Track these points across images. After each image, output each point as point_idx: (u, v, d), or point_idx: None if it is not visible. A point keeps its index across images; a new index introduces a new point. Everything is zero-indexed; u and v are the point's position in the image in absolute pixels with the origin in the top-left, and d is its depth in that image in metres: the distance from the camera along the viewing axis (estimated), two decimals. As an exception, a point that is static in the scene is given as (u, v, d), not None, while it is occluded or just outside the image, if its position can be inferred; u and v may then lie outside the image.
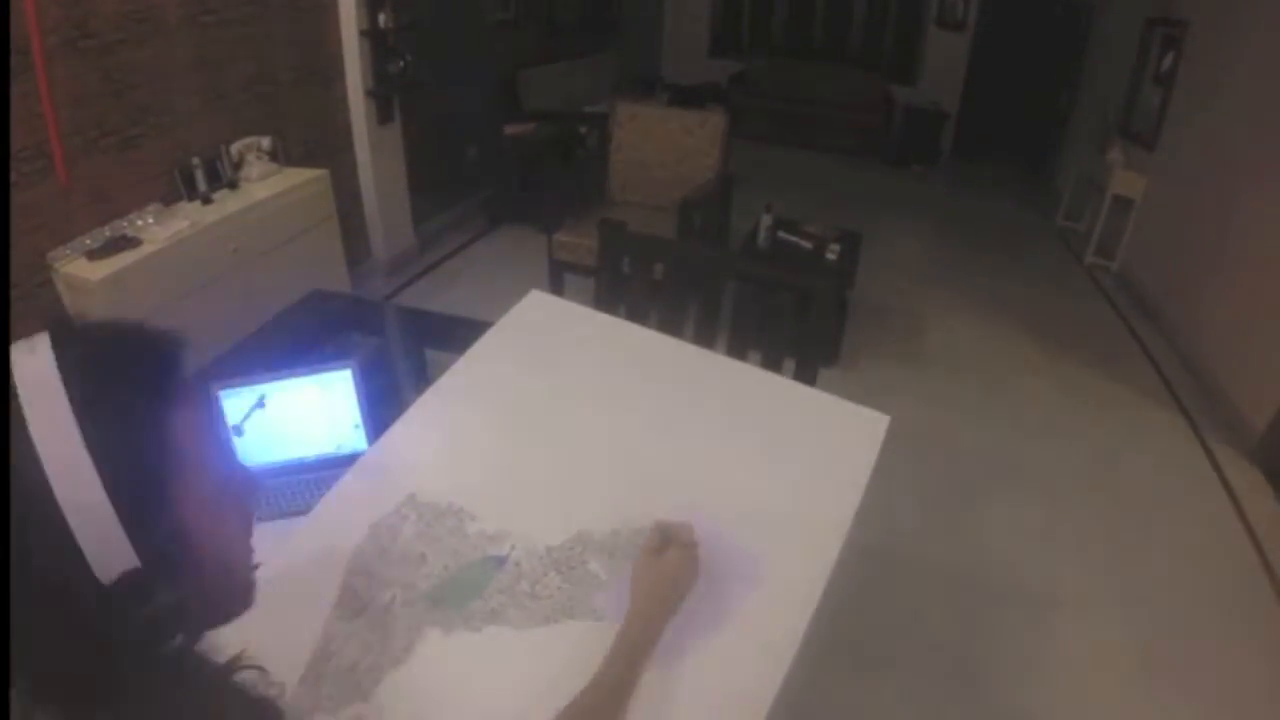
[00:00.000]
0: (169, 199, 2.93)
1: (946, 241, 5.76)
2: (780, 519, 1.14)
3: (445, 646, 1.01)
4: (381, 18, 3.76)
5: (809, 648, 1.00)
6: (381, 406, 1.51)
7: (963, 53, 7.38)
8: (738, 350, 1.97)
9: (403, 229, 4.49)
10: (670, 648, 0.98)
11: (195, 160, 2.98)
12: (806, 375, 1.90)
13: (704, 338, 2.00)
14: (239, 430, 1.47)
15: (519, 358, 1.45)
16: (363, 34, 3.74)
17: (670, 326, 1.94)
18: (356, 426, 1.53)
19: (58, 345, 0.55)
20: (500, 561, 1.10)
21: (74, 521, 0.50)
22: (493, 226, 5.26)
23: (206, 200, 2.99)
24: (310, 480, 1.46)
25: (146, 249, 2.64)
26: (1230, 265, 3.89)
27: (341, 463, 1.33)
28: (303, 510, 1.32)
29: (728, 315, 2.08)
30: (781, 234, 4.05)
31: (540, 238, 4.18)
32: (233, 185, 3.13)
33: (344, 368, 1.52)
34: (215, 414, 1.43)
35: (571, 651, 1.01)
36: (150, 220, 2.76)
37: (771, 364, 1.92)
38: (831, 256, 3.87)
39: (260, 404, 1.47)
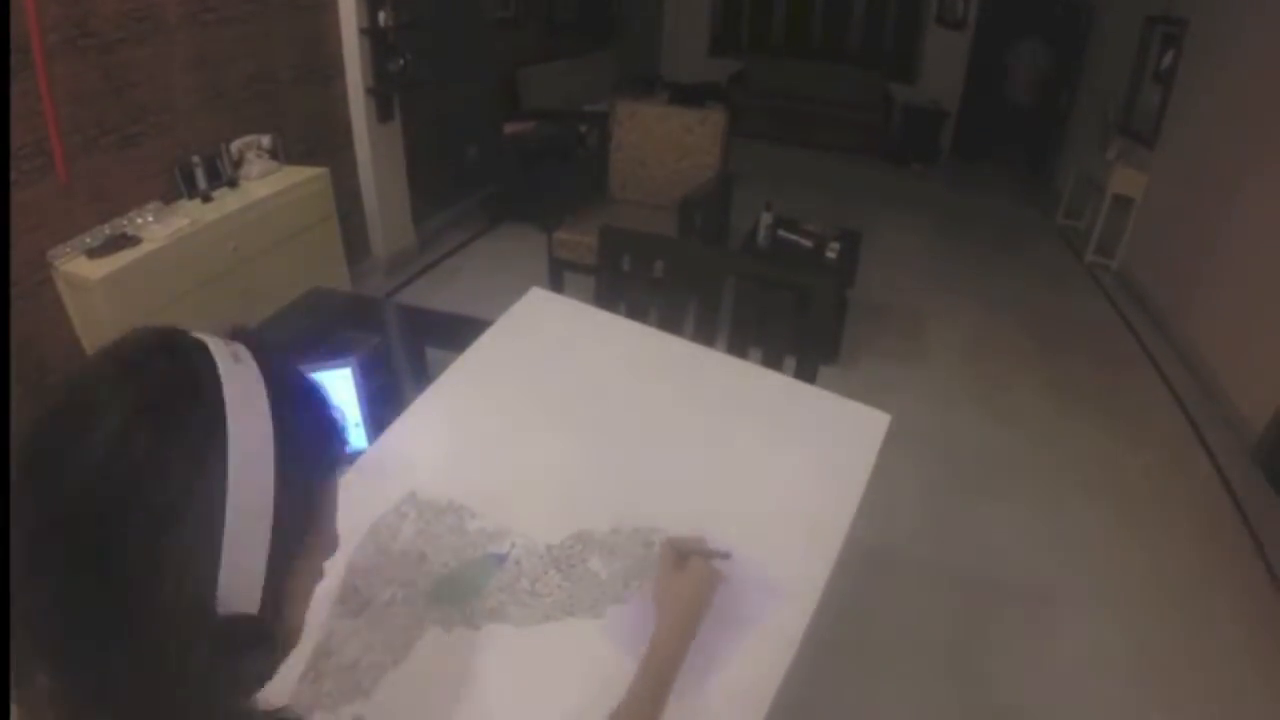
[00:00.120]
0: (169, 197, 2.93)
1: (946, 240, 5.76)
2: (780, 517, 1.14)
3: (446, 644, 1.01)
4: (381, 16, 3.76)
5: (809, 646, 1.00)
6: (381, 405, 1.51)
7: (963, 51, 7.38)
8: (738, 348, 1.97)
9: (403, 227, 4.49)
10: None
11: (195, 158, 2.98)
12: (806, 373, 1.90)
13: (704, 336, 2.00)
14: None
15: (519, 355, 1.45)
16: (363, 32, 3.74)
17: (670, 325, 1.94)
18: (356, 425, 1.53)
19: (262, 364, 0.52)
20: (500, 559, 1.10)
21: (229, 548, 0.47)
22: (493, 225, 5.26)
23: (206, 198, 2.99)
24: (310, 478, 1.46)
25: (147, 247, 2.64)
26: (1230, 264, 3.89)
27: (342, 461, 1.33)
28: (303, 508, 1.32)
29: (728, 313, 2.08)
30: (781, 232, 4.05)
31: (540, 236, 4.18)
32: (233, 183, 3.13)
33: (344, 366, 1.52)
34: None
35: (572, 649, 1.01)
36: (150, 218, 2.76)
37: (772, 362, 1.92)
38: (831, 255, 3.86)
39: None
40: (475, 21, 4.97)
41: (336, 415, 0.59)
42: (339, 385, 1.52)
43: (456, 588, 1.07)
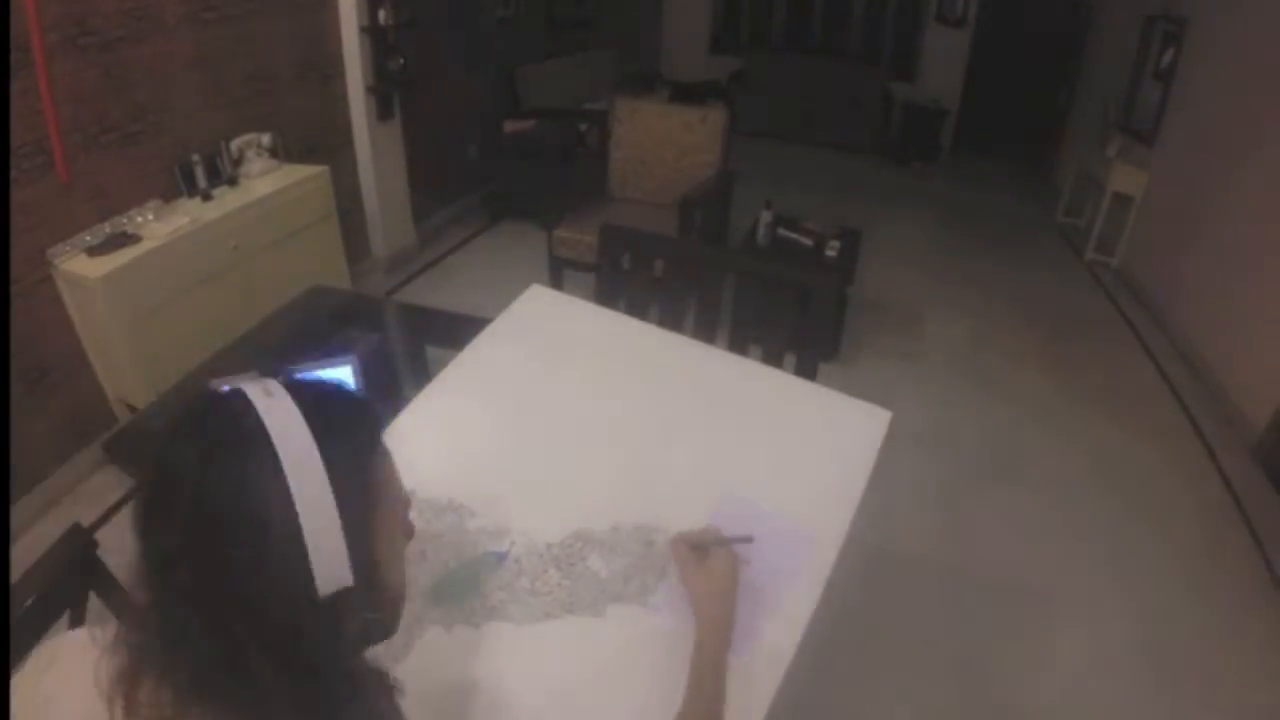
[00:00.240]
0: (169, 195, 2.93)
1: (946, 238, 5.76)
2: (781, 515, 1.14)
3: (446, 643, 1.01)
4: (381, 14, 3.75)
5: (809, 644, 1.00)
6: (382, 402, 1.51)
7: (963, 49, 7.37)
8: (738, 346, 1.97)
9: (403, 225, 4.49)
10: (669, 645, 0.98)
11: (195, 157, 2.97)
12: (807, 371, 1.90)
13: (704, 334, 2.00)
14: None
15: (519, 353, 1.45)
16: (363, 30, 3.73)
17: (670, 323, 1.94)
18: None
19: (289, 388, 0.63)
20: (500, 558, 1.10)
21: (311, 542, 0.57)
22: (493, 223, 5.26)
23: (207, 197, 2.99)
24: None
25: (147, 245, 2.64)
26: (1230, 262, 3.89)
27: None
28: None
29: (728, 311, 2.08)
30: (781, 230, 4.04)
31: (540, 234, 4.18)
32: (233, 182, 3.13)
33: (344, 364, 1.52)
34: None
35: (572, 647, 1.01)
36: (150, 217, 2.75)
37: (772, 359, 1.92)
38: (831, 253, 3.86)
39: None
40: (475, 20, 4.97)
41: (361, 402, 0.70)
42: (339, 383, 1.52)
43: (457, 586, 1.07)
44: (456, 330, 1.57)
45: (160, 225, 2.72)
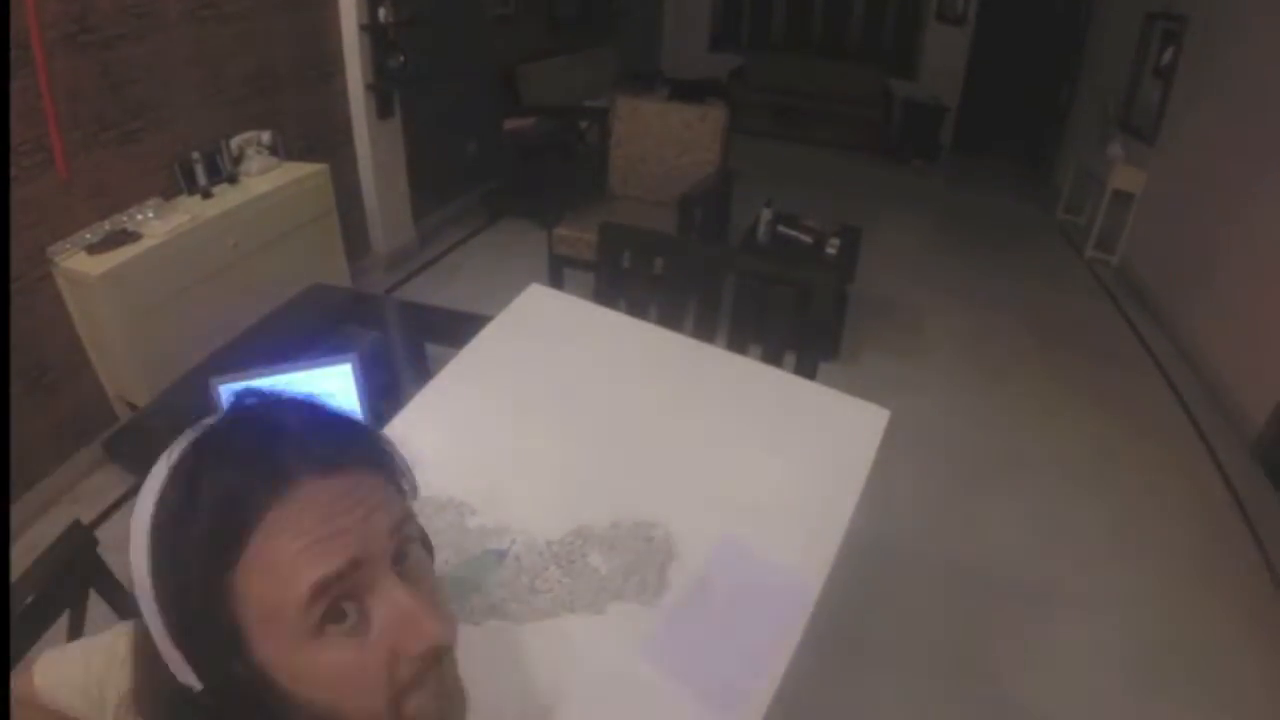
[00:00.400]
0: (169, 193, 2.92)
1: (947, 236, 5.76)
2: (780, 513, 1.14)
3: (446, 640, 1.01)
4: (381, 12, 3.75)
5: (808, 642, 1.00)
6: (381, 400, 1.51)
7: (963, 47, 7.37)
8: (738, 344, 1.97)
9: (402, 223, 4.49)
10: (668, 644, 0.98)
11: (195, 154, 2.97)
12: (807, 369, 1.90)
13: (704, 332, 2.00)
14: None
15: (519, 351, 1.45)
16: (363, 28, 3.73)
17: (670, 321, 1.94)
18: (357, 421, 1.53)
19: (170, 468, 0.53)
20: (500, 556, 1.10)
21: (156, 639, 0.53)
22: (492, 221, 5.26)
23: (206, 194, 2.99)
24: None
25: (146, 243, 2.64)
26: (1230, 259, 3.89)
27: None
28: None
29: (728, 310, 2.08)
30: (781, 228, 4.04)
31: (540, 232, 4.18)
32: (233, 179, 3.13)
33: (344, 362, 1.52)
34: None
35: (572, 645, 1.01)
36: (150, 214, 2.75)
37: (772, 358, 1.92)
38: (831, 251, 3.86)
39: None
40: (475, 17, 4.97)
41: (240, 472, 0.52)
42: (339, 381, 1.52)
43: (457, 584, 1.07)
44: (456, 328, 1.57)
45: (160, 223, 2.72)
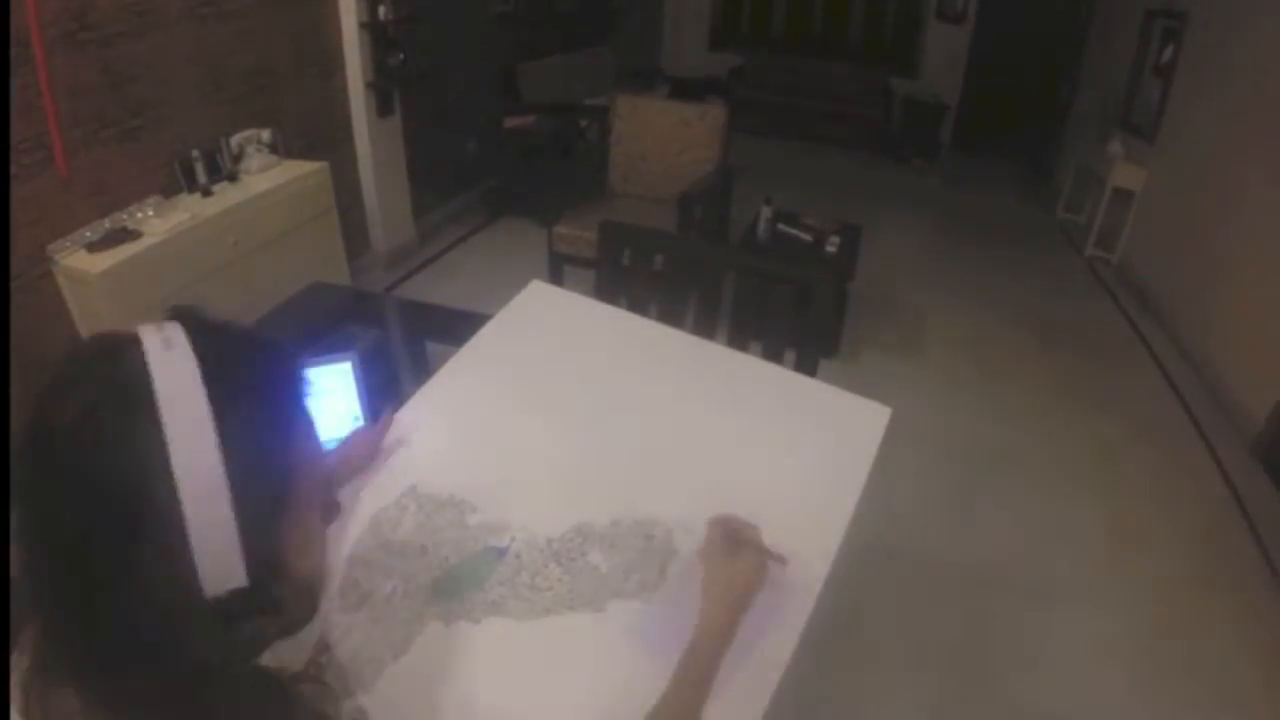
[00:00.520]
0: (169, 191, 2.93)
1: (946, 234, 5.76)
2: (781, 510, 1.14)
3: (446, 638, 1.01)
4: (381, 10, 3.75)
5: (809, 640, 1.00)
6: (382, 399, 1.51)
7: (963, 45, 7.36)
8: (738, 342, 1.97)
9: (403, 221, 4.49)
10: (669, 642, 0.98)
11: (195, 152, 2.97)
12: (807, 367, 1.90)
13: (704, 330, 2.00)
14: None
15: (520, 348, 1.45)
16: (362, 26, 3.73)
17: (670, 319, 1.93)
18: (356, 419, 1.53)
19: (195, 343, 0.51)
20: (501, 553, 1.10)
21: (196, 536, 0.48)
22: (492, 219, 5.26)
23: (206, 192, 2.99)
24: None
25: (146, 241, 2.64)
26: (1231, 258, 3.89)
27: (342, 455, 1.33)
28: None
29: (728, 308, 2.08)
30: (781, 227, 4.04)
31: (540, 230, 4.18)
32: (232, 177, 3.13)
33: (344, 360, 1.52)
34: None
35: (572, 643, 1.01)
36: (150, 212, 2.76)
37: (772, 356, 1.92)
38: (831, 249, 3.86)
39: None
40: (475, 15, 4.96)
41: (278, 358, 0.58)
42: (339, 380, 1.52)
43: (457, 582, 1.07)
44: (456, 326, 1.57)
45: (160, 221, 2.72)
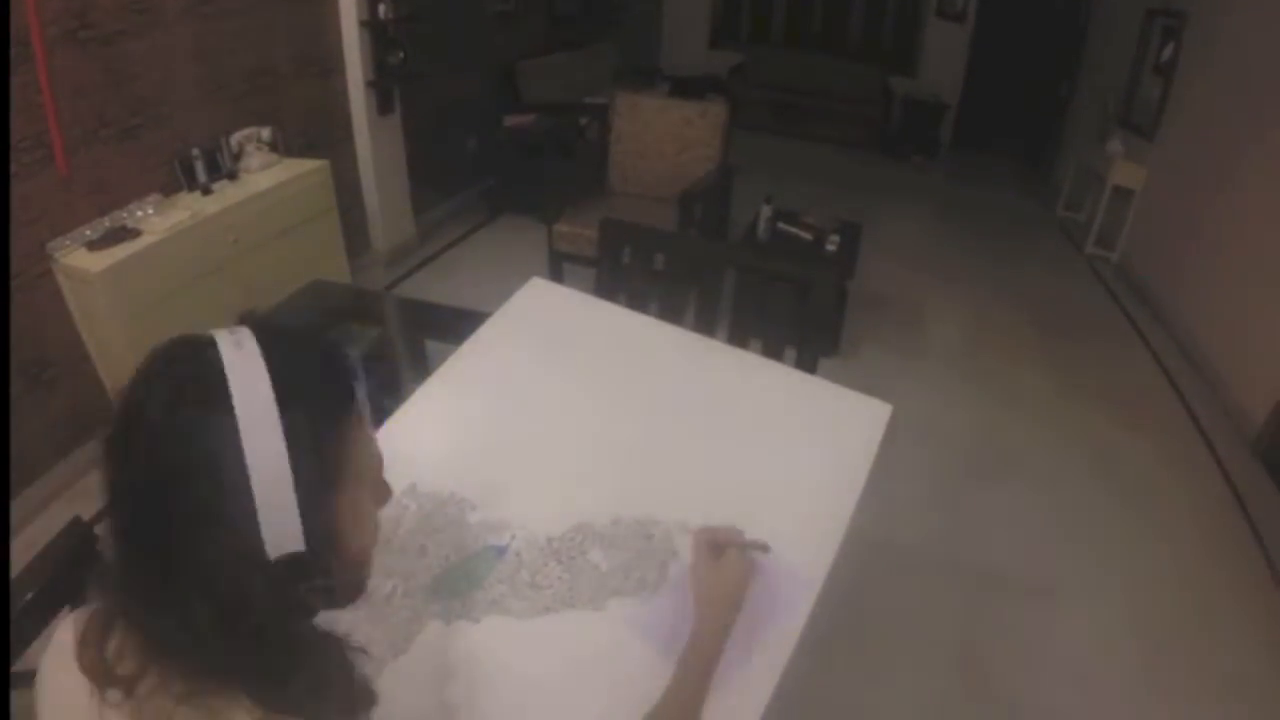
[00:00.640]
0: (169, 190, 2.92)
1: (946, 232, 5.76)
2: (782, 508, 1.14)
3: (446, 637, 1.01)
4: (381, 8, 3.75)
5: (809, 637, 1.00)
6: (382, 397, 1.51)
7: (963, 44, 7.36)
8: (738, 340, 1.96)
9: (403, 220, 4.48)
10: (666, 642, 0.98)
11: (195, 151, 2.97)
12: (807, 364, 1.90)
13: (704, 328, 2.00)
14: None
15: (520, 346, 1.45)
16: (363, 25, 3.72)
17: (671, 317, 1.93)
18: (357, 417, 1.53)
19: (263, 343, 0.62)
20: (501, 551, 1.10)
21: (262, 507, 0.57)
22: (493, 217, 5.25)
23: (206, 191, 2.99)
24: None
25: (146, 240, 2.63)
26: (1230, 256, 3.89)
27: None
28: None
29: (728, 306, 2.08)
30: (781, 225, 4.04)
31: (540, 228, 4.18)
32: (233, 176, 3.12)
33: (344, 358, 1.52)
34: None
35: (572, 641, 1.01)
36: (150, 211, 2.75)
37: (772, 354, 1.91)
38: (831, 247, 3.86)
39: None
40: (475, 14, 4.96)
41: (334, 361, 0.69)
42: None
43: (457, 580, 1.07)
44: (456, 324, 1.57)
45: (160, 219, 2.72)
